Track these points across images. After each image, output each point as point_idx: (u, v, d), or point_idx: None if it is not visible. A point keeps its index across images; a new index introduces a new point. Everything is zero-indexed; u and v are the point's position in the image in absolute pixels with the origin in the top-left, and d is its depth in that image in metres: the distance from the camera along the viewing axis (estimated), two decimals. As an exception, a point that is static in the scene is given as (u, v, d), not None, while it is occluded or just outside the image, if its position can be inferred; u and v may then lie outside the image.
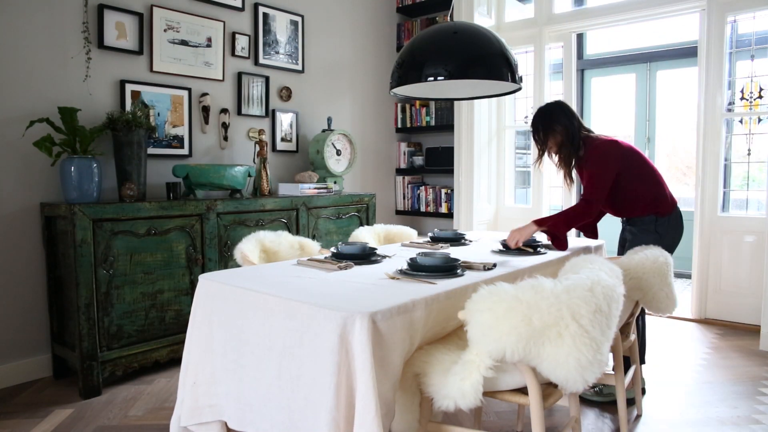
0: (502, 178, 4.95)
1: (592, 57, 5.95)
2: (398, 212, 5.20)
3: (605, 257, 2.34)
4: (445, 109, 4.84)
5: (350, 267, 2.02)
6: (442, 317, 1.65)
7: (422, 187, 5.03)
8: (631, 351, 2.36)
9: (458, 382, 1.41)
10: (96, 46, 3.05)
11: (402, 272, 1.89)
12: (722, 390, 2.70)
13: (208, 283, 1.83)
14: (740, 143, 3.91)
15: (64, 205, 2.64)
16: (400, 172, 5.16)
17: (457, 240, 2.74)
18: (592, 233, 2.77)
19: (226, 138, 3.71)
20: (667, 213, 2.53)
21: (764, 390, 2.69)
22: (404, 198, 5.14)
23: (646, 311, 2.63)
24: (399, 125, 5.12)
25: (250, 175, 3.54)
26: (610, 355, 2.01)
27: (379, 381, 1.36)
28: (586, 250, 2.63)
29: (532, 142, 2.78)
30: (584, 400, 2.57)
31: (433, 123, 4.93)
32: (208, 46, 3.56)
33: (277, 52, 4.01)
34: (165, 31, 3.33)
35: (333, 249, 2.23)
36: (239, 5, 3.72)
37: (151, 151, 3.27)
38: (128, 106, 3.17)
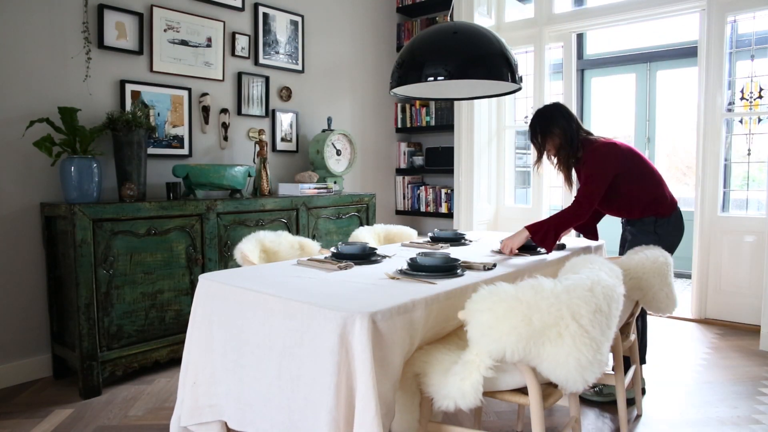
0: (502, 178, 4.95)
1: (592, 57, 5.95)
2: (398, 212, 5.21)
3: (605, 257, 2.34)
4: (445, 109, 4.84)
5: (350, 267, 2.02)
6: (442, 317, 1.65)
7: (422, 187, 5.04)
8: (631, 351, 2.36)
9: (458, 382, 1.41)
10: (96, 46, 3.05)
11: (402, 272, 1.89)
12: (722, 390, 2.70)
13: (208, 283, 1.83)
14: (740, 143, 3.91)
15: (64, 205, 2.64)
16: (400, 172, 5.16)
17: (457, 240, 2.74)
18: (592, 235, 2.77)
19: (226, 138, 3.71)
20: (667, 214, 2.53)
21: (764, 390, 2.69)
22: (404, 198, 5.15)
23: (647, 311, 2.63)
24: (399, 125, 5.12)
25: (250, 175, 3.54)
26: (610, 355, 2.01)
27: (379, 381, 1.36)
28: (586, 250, 2.63)
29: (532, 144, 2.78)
30: (584, 400, 2.57)
31: (433, 123, 4.93)
32: (208, 46, 3.56)
33: (277, 52, 4.01)
34: (165, 31, 3.33)
35: (333, 249, 2.22)
36: (239, 5, 3.72)
37: (151, 151, 3.27)
38: (128, 106, 3.17)
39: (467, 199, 4.66)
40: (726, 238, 3.81)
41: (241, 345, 1.66)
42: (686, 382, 2.82)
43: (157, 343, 2.89)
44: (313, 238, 3.58)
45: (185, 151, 3.48)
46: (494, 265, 2.04)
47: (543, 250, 2.42)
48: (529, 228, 2.36)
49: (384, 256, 2.23)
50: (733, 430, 2.28)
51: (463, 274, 1.88)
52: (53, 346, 2.90)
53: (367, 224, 4.06)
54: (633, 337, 2.29)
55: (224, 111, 3.69)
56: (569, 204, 2.45)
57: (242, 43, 3.77)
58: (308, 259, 2.12)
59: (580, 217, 2.41)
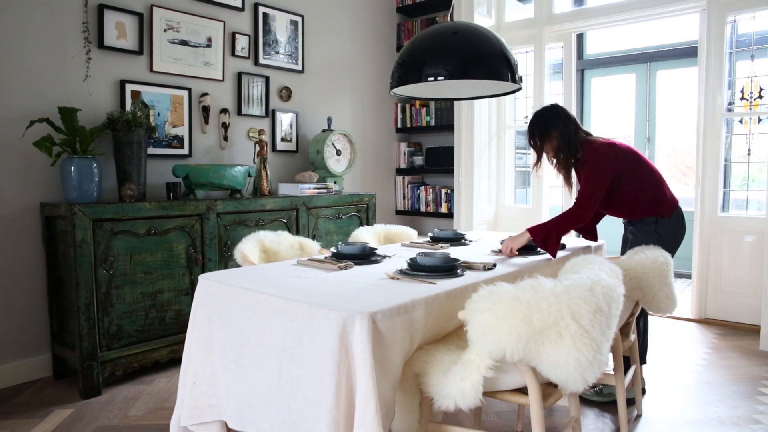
0: (502, 178, 4.95)
1: (592, 57, 5.95)
2: (398, 212, 5.21)
3: (605, 257, 2.34)
4: (445, 109, 4.84)
5: (350, 267, 2.02)
6: (442, 317, 1.65)
7: (422, 187, 5.04)
8: (631, 351, 2.36)
9: (458, 382, 1.41)
10: (96, 46, 3.05)
11: (402, 272, 1.89)
12: (722, 390, 2.70)
13: (208, 283, 1.83)
14: (740, 143, 3.91)
15: (64, 205, 2.64)
16: (400, 172, 5.16)
17: (457, 240, 2.74)
18: (592, 235, 2.76)
19: (226, 138, 3.71)
20: (667, 214, 2.53)
21: (764, 390, 2.69)
22: (404, 198, 5.15)
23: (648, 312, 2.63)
24: (399, 125, 5.12)
25: (250, 175, 3.54)
26: (610, 355, 2.01)
27: (379, 381, 1.36)
28: (586, 250, 2.63)
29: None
30: (584, 400, 2.57)
31: (433, 123, 4.93)
32: (208, 46, 3.56)
33: (277, 52, 4.01)
34: (165, 31, 3.33)
35: (333, 249, 2.23)
36: (239, 5, 3.72)
37: (151, 151, 3.27)
38: (128, 106, 3.17)
39: (467, 199, 4.66)
40: (726, 238, 3.81)
41: (241, 345, 1.66)
42: (686, 382, 2.82)
43: (157, 343, 2.89)
44: (313, 238, 3.58)
45: (185, 151, 3.48)
46: (494, 265, 2.04)
47: (543, 251, 2.42)
48: (530, 230, 2.35)
49: (384, 256, 2.23)
50: (733, 430, 2.28)
51: (463, 274, 1.88)
52: (53, 346, 2.90)
53: (367, 224, 4.06)
54: (633, 337, 2.29)
55: (224, 111, 3.69)
56: (570, 205, 2.45)
57: (242, 43, 3.77)
58: (308, 259, 2.12)
59: (582, 219, 2.39)
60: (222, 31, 3.62)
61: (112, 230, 2.71)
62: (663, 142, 5.77)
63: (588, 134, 2.61)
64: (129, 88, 3.19)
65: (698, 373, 2.94)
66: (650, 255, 2.13)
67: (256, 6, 3.85)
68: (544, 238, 2.32)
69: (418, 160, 5.09)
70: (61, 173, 2.75)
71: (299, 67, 4.17)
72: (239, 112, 3.80)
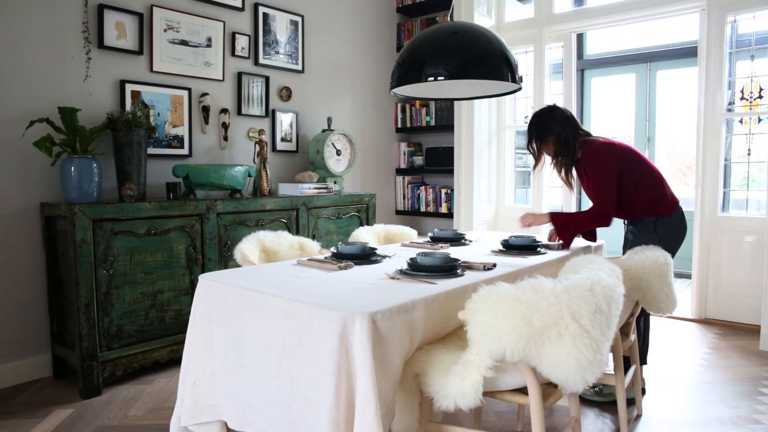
0: (502, 178, 4.95)
1: (592, 57, 5.95)
2: (398, 212, 5.21)
3: (605, 257, 2.34)
4: (445, 109, 4.84)
5: (350, 267, 2.02)
6: (442, 317, 1.65)
7: (422, 187, 5.04)
8: (631, 351, 2.36)
9: (458, 382, 1.41)
10: (96, 46, 3.05)
11: (402, 272, 1.89)
12: (722, 390, 2.70)
13: (208, 283, 1.83)
14: (740, 143, 3.91)
15: (64, 205, 2.64)
16: (400, 172, 5.16)
17: (457, 240, 2.74)
18: (591, 236, 2.76)
19: (226, 138, 3.71)
20: (667, 213, 2.53)
21: (764, 390, 2.69)
22: (404, 198, 5.15)
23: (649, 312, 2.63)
24: (399, 125, 5.12)
25: (250, 175, 3.54)
26: (610, 355, 2.01)
27: (379, 381, 1.36)
28: (586, 250, 2.63)
29: None
30: (584, 400, 2.57)
31: (433, 123, 4.93)
32: (208, 46, 3.56)
33: (277, 52, 4.01)
34: (165, 31, 3.33)
35: (333, 249, 2.22)
36: (239, 5, 3.72)
37: (151, 151, 3.27)
38: (128, 106, 3.17)
39: (467, 199, 4.66)
40: (726, 238, 3.81)
41: (241, 345, 1.66)
42: (686, 382, 2.82)
43: (157, 343, 2.89)
44: (313, 238, 3.58)
45: (185, 151, 3.48)
46: (494, 265, 2.04)
47: (543, 251, 2.43)
48: (552, 215, 2.52)
49: (384, 256, 2.23)
50: (733, 430, 2.28)
51: (463, 274, 1.88)
52: (53, 346, 2.90)
53: (367, 224, 4.06)
54: (633, 337, 2.29)
55: (224, 111, 3.69)
56: (571, 206, 2.49)
57: (242, 43, 3.77)
58: (308, 259, 2.12)
59: (604, 223, 2.50)
60: (222, 31, 3.62)
61: (112, 230, 2.71)
62: (663, 142, 5.77)
63: (587, 134, 2.61)
64: (129, 88, 3.19)
65: (698, 373, 2.94)
66: (650, 255, 2.13)
67: (256, 6, 3.85)
68: (562, 226, 2.47)
69: (418, 160, 5.09)
70: (61, 173, 2.75)
71: (299, 67, 4.17)
72: (239, 112, 3.80)
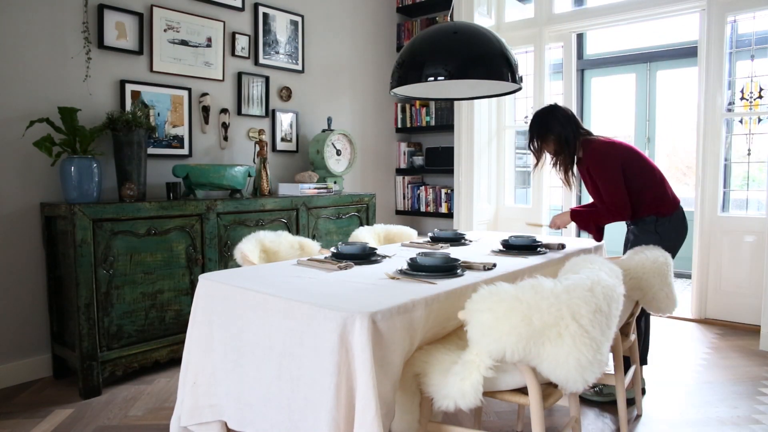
0: (502, 178, 4.95)
1: (592, 57, 5.95)
2: (398, 212, 5.21)
3: (605, 257, 2.34)
4: (445, 109, 4.84)
5: (350, 267, 2.02)
6: (442, 317, 1.65)
7: (422, 187, 5.04)
8: (631, 351, 2.36)
9: (458, 382, 1.41)
10: (96, 46, 3.05)
11: (402, 272, 1.89)
12: (722, 390, 2.70)
13: (208, 283, 1.83)
14: (740, 143, 3.91)
15: (64, 205, 2.64)
16: (400, 172, 5.16)
17: (457, 240, 2.74)
18: (598, 234, 2.74)
19: (226, 138, 3.71)
20: (668, 213, 2.53)
21: (764, 390, 2.69)
22: (404, 198, 5.15)
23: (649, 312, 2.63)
24: (399, 125, 5.12)
25: (250, 175, 3.54)
26: (610, 355, 2.01)
27: (379, 381, 1.36)
28: (586, 250, 2.63)
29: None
30: (584, 400, 2.57)
31: (433, 123, 4.93)
32: (208, 46, 3.56)
33: (277, 52, 4.01)
34: (165, 31, 3.33)
35: (333, 249, 2.22)
36: (239, 5, 3.72)
37: (151, 151, 3.27)
38: (128, 106, 3.17)
39: (467, 199, 4.66)
40: (726, 238, 3.81)
41: (241, 345, 1.66)
42: (686, 382, 2.82)
43: (157, 343, 2.89)
44: (313, 238, 3.58)
45: (185, 151, 3.48)
46: (494, 265, 2.04)
47: (543, 250, 2.43)
48: (573, 215, 2.67)
49: (384, 256, 2.23)
50: (733, 430, 2.28)
51: (463, 274, 1.88)
52: (53, 346, 2.90)
53: (367, 224, 4.06)
54: (633, 337, 2.29)
55: (224, 111, 3.69)
56: (571, 206, 2.53)
57: (242, 43, 3.77)
58: (308, 259, 2.12)
59: (622, 219, 2.57)
60: (222, 31, 3.62)
61: (112, 230, 2.71)
62: (663, 142, 5.77)
63: (588, 133, 2.61)
64: (129, 88, 3.19)
65: (698, 373, 2.94)
66: (650, 255, 2.13)
67: (256, 6, 3.85)
68: (586, 224, 2.63)
69: (418, 160, 5.09)
70: (61, 173, 2.75)
71: (299, 67, 4.17)
72: (239, 112, 3.80)
